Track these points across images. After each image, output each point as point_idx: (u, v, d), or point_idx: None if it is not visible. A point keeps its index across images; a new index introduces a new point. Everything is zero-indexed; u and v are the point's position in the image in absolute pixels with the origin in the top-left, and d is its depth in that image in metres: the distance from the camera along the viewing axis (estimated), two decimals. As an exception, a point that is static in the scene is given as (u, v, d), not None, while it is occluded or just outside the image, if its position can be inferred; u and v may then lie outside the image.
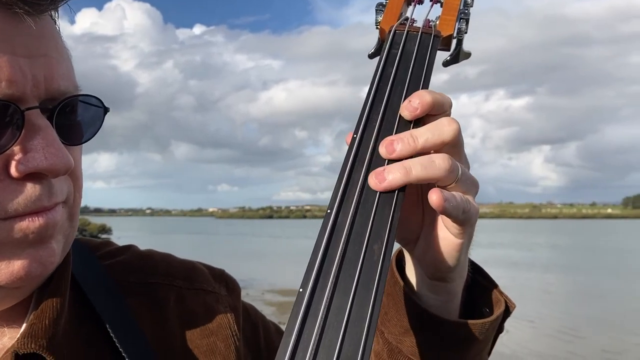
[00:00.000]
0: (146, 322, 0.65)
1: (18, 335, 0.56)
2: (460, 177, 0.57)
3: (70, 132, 0.56)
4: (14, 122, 0.50)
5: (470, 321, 0.65)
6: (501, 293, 0.70)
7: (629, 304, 11.81)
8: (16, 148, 0.51)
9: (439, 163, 0.56)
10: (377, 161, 0.58)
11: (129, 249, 0.75)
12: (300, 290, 0.50)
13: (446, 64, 0.71)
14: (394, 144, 0.56)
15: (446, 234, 0.61)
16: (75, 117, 0.57)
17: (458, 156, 0.59)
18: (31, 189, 0.51)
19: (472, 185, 0.60)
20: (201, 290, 0.72)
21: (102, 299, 0.63)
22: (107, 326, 0.61)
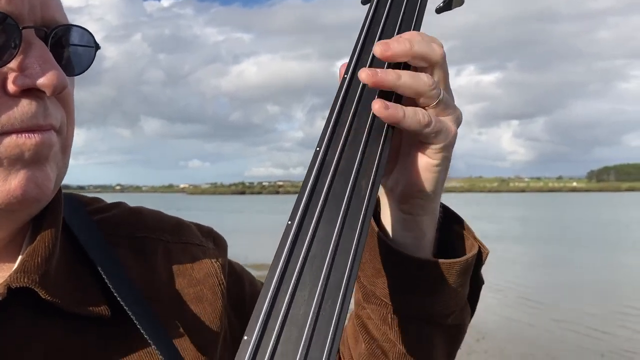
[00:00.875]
0: (134, 272, 0.66)
1: (11, 272, 0.57)
2: (442, 99, 0.60)
3: (62, 61, 0.57)
4: (11, 38, 0.51)
5: (438, 260, 0.66)
6: (475, 239, 0.71)
7: (589, 275, 12.27)
8: (13, 64, 0.52)
9: (423, 78, 0.59)
10: (366, 100, 0.60)
11: (119, 205, 0.75)
12: (289, 222, 0.53)
13: (439, 10, 0.72)
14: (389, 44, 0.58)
15: (421, 156, 0.63)
16: (68, 48, 0.58)
17: (444, 84, 0.62)
18: (27, 105, 0.53)
19: (453, 110, 0.62)
20: (189, 243, 0.73)
21: (94, 247, 0.64)
22: (100, 270, 0.61)
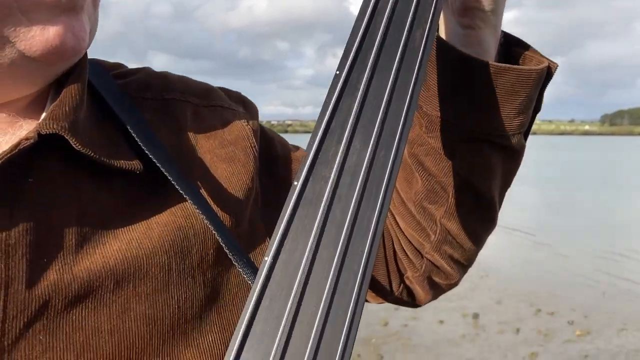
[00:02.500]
0: (163, 134, 0.64)
1: (39, 121, 0.55)
2: None
3: None
4: None
5: (518, 66, 0.65)
6: (542, 56, 0.69)
7: (595, 217, 12.34)
8: None
9: None
10: None
11: (143, 69, 0.73)
12: (337, 72, 0.51)
13: None
14: None
15: None
16: None
17: None
18: None
19: None
20: (218, 107, 0.71)
21: (121, 109, 0.62)
22: (129, 128, 0.60)
